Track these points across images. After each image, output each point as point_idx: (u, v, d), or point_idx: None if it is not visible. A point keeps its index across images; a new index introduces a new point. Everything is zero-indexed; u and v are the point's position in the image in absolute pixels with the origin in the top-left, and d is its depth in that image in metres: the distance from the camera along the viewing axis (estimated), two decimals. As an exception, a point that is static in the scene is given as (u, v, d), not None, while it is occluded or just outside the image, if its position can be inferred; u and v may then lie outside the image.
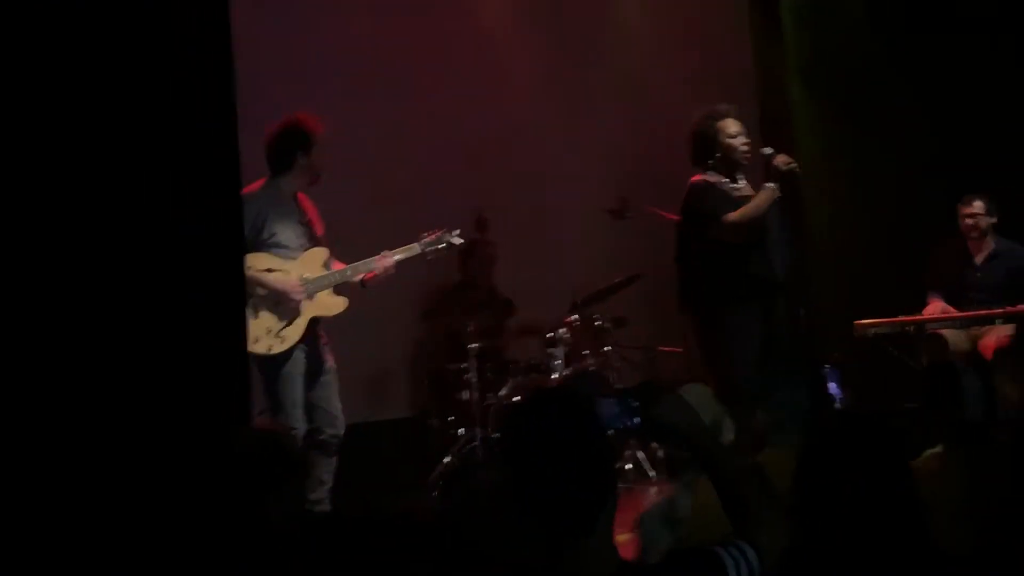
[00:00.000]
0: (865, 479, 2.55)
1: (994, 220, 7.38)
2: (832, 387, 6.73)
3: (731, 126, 6.10)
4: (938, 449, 4.10)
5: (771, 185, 6.00)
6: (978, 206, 7.36)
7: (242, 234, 3.42)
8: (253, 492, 2.85)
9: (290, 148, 6.00)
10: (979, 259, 7.43)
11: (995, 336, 7.12)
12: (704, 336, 6.07)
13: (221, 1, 3.36)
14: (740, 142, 6.09)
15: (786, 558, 2.54)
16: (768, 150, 6.10)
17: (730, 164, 6.11)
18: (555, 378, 7.21)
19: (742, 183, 6.15)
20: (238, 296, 3.28)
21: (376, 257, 6.18)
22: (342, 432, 6.09)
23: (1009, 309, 7.12)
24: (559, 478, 2.36)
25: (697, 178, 6.11)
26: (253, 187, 5.91)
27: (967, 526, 3.49)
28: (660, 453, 7.16)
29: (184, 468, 3.01)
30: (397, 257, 6.23)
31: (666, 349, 7.83)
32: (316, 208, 6.20)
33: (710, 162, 6.11)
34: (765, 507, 2.52)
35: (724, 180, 6.09)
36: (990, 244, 7.42)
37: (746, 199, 6.02)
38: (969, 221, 7.39)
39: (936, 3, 8.11)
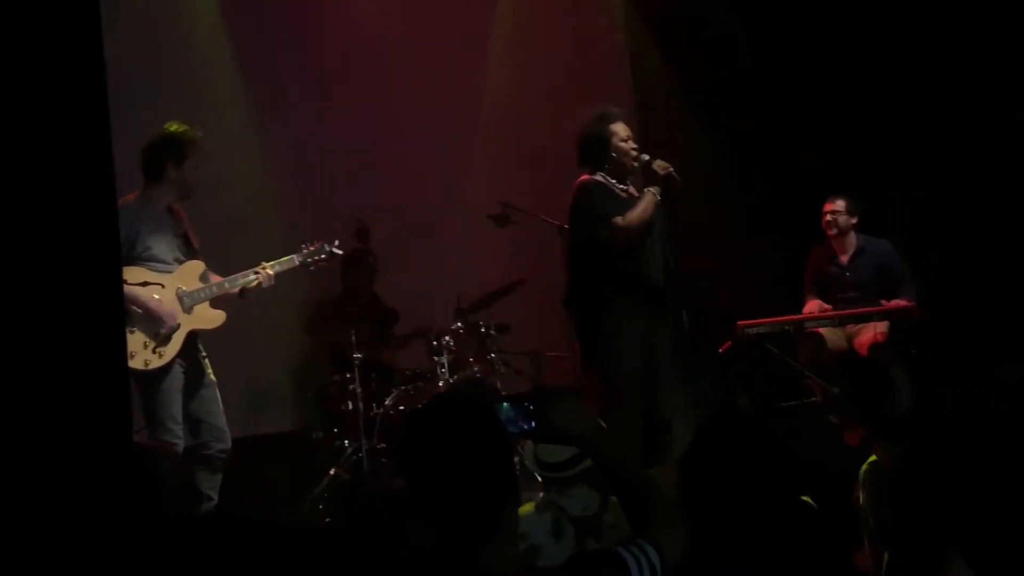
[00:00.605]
0: (747, 477, 2.56)
1: (855, 220, 7.54)
2: None
3: (622, 130, 6.11)
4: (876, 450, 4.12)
5: (652, 189, 6.02)
6: (840, 204, 7.53)
7: (118, 245, 3.31)
8: (131, 509, 2.76)
9: (160, 159, 5.91)
10: (845, 258, 7.59)
11: (870, 333, 7.28)
12: (587, 335, 6.08)
13: (92, 8, 3.23)
14: (631, 146, 6.09)
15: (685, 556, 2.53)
16: (646, 156, 6.12)
17: (620, 168, 6.11)
18: (441, 386, 7.16)
19: (628, 186, 6.17)
20: (116, 310, 3.16)
21: (254, 269, 6.09)
22: (228, 446, 6.00)
23: (884, 306, 7.28)
24: (459, 483, 2.34)
25: (586, 177, 6.09)
26: (127, 199, 5.81)
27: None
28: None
29: (61, 489, 2.89)
30: (276, 268, 6.14)
31: (551, 355, 7.83)
32: (190, 221, 6.10)
33: (605, 165, 6.10)
34: (666, 508, 2.51)
35: (612, 181, 6.10)
36: (854, 242, 7.58)
37: (633, 201, 6.04)
38: (828, 218, 7.55)
39: (806, 7, 8.25)
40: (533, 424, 2.53)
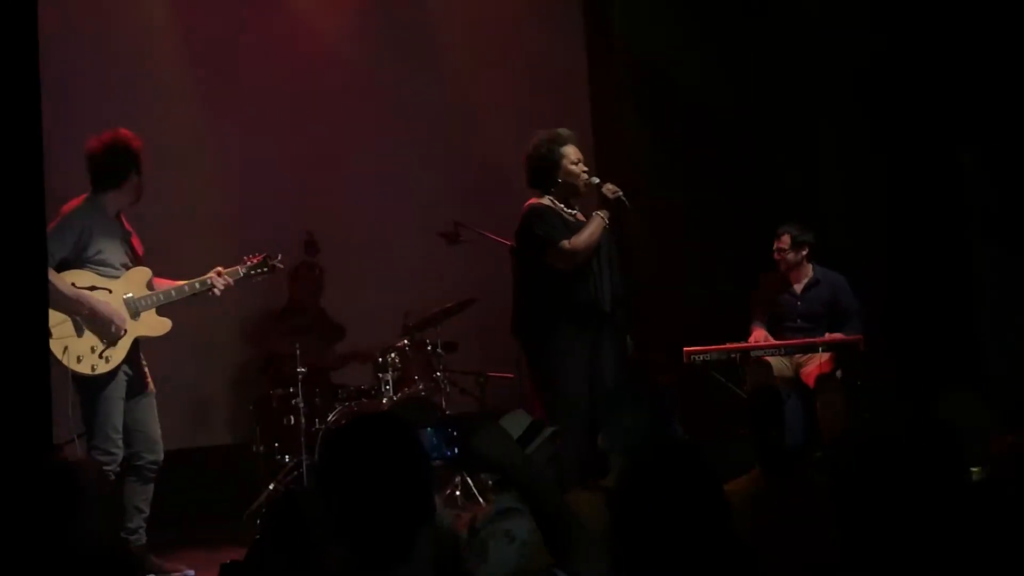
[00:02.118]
0: (679, 507, 2.55)
1: (804, 252, 7.56)
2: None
3: (573, 152, 6.11)
4: (754, 473, 4.14)
5: (601, 213, 6.03)
6: (784, 241, 7.57)
7: (44, 249, 3.26)
8: (41, 524, 2.72)
9: (124, 166, 5.92)
10: (799, 287, 7.62)
11: (816, 364, 7.31)
12: (533, 360, 6.07)
13: (29, 8, 3.19)
14: (581, 169, 6.10)
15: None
16: (596, 179, 6.12)
17: (569, 190, 6.12)
18: (385, 403, 7.11)
19: (575, 209, 6.17)
20: (39, 315, 3.11)
21: (200, 279, 6.08)
22: (161, 458, 5.98)
23: (829, 338, 7.31)
24: (374, 503, 2.32)
25: (534, 201, 6.10)
26: (74, 203, 5.84)
27: (779, 549, 3.53)
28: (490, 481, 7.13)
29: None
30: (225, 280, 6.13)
31: (496, 375, 7.80)
32: (134, 229, 6.10)
33: (552, 188, 6.10)
34: (585, 537, 2.48)
35: (560, 205, 6.10)
36: (809, 272, 7.62)
37: (580, 225, 6.04)
38: (777, 256, 7.61)
39: (765, 30, 8.29)
40: (456, 450, 2.51)
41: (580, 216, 6.12)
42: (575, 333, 5.95)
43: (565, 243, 5.93)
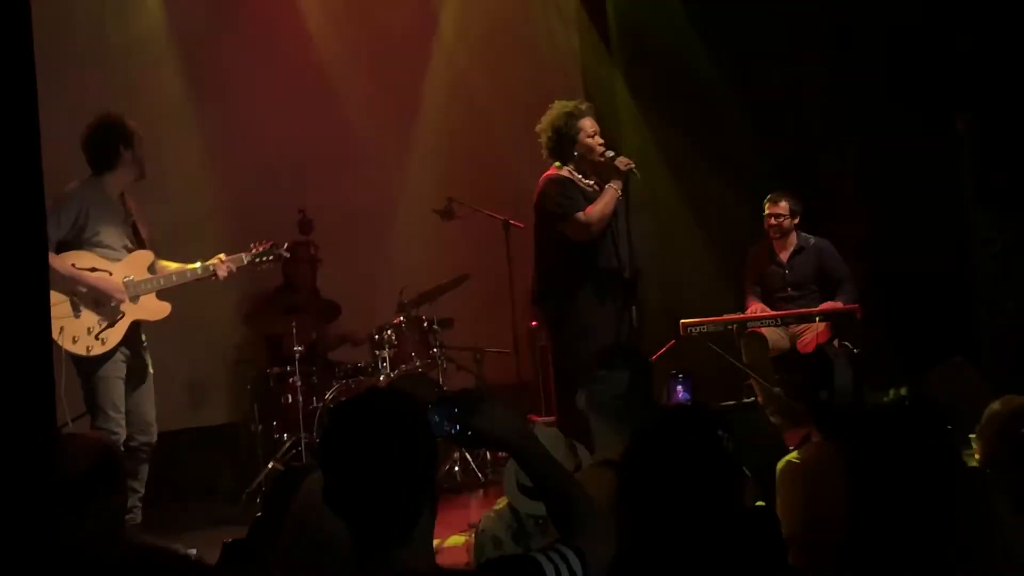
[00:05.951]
0: (691, 476, 2.53)
1: (796, 220, 7.58)
2: (682, 393, 6.80)
3: (589, 125, 6.15)
4: (816, 439, 4.10)
5: (614, 184, 6.06)
6: (782, 207, 7.57)
7: (43, 230, 3.25)
8: (72, 505, 2.68)
9: (113, 143, 5.88)
10: (785, 255, 7.64)
11: (813, 333, 7.32)
12: (555, 329, 6.13)
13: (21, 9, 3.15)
14: (597, 142, 6.14)
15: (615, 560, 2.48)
16: (610, 152, 6.15)
17: (586, 162, 6.16)
18: (382, 380, 7.12)
19: (592, 180, 6.21)
20: (40, 297, 3.09)
21: (204, 264, 6.07)
22: (154, 440, 5.98)
23: (827, 307, 7.31)
24: (377, 482, 2.25)
25: (552, 172, 6.17)
26: (71, 186, 5.81)
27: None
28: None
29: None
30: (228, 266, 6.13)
31: (493, 351, 7.81)
32: (139, 210, 6.07)
33: (570, 160, 6.15)
34: (593, 514, 2.45)
35: (578, 176, 6.14)
36: (793, 240, 7.63)
37: (597, 195, 6.08)
38: (773, 222, 7.60)
39: (751, 11, 8.28)
40: (458, 427, 2.46)
41: (597, 187, 6.17)
42: (599, 301, 6.02)
43: (580, 215, 6.01)
